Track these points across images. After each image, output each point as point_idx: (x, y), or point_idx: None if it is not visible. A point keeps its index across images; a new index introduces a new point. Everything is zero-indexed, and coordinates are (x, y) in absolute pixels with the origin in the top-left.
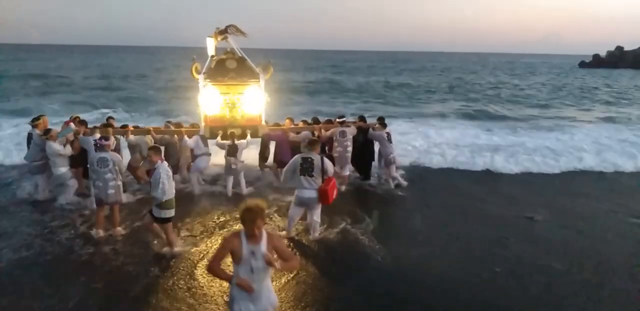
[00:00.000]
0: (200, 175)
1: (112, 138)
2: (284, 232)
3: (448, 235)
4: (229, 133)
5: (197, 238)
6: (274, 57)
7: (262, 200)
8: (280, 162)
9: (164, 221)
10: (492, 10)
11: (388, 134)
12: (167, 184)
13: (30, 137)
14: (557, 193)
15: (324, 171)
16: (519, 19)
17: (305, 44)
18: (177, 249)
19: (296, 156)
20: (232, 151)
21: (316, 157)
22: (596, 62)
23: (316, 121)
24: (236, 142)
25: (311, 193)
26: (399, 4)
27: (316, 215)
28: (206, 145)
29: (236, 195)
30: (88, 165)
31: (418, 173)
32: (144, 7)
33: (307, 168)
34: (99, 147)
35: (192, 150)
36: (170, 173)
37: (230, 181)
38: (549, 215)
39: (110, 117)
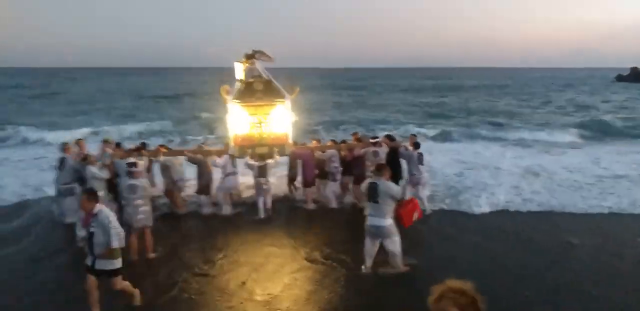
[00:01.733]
0: (230, 195)
1: (142, 164)
2: (363, 267)
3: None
4: (257, 153)
5: (232, 254)
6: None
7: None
8: (305, 181)
9: (116, 273)
10: (520, 22)
11: (420, 155)
12: (119, 227)
13: (62, 160)
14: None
15: (392, 196)
16: (550, 32)
17: (327, 62)
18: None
19: (365, 181)
20: (262, 172)
21: (382, 183)
22: (634, 75)
23: (391, 138)
24: (266, 162)
25: (377, 221)
26: (417, 19)
27: (392, 245)
28: (235, 165)
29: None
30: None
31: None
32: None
33: (372, 194)
34: (129, 174)
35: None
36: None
37: (262, 202)
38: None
39: (142, 143)
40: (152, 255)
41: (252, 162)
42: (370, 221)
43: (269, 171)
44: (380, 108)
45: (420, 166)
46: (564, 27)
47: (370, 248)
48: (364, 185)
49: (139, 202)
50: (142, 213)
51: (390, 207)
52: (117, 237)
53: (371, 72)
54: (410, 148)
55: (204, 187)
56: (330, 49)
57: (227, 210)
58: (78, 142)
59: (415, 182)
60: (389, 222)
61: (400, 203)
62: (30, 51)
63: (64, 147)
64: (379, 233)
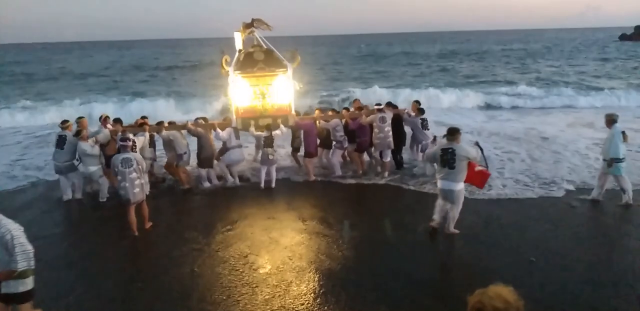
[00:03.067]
0: (234, 168)
1: (142, 139)
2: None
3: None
4: (265, 124)
5: (234, 228)
6: (304, 44)
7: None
8: (306, 152)
9: (28, 296)
10: None
11: (423, 120)
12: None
13: (61, 138)
14: None
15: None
16: None
17: (334, 29)
18: None
19: (435, 147)
20: (269, 142)
21: (458, 147)
22: (638, 34)
23: (392, 105)
24: (272, 132)
25: (449, 185)
26: None
27: (454, 210)
28: (238, 137)
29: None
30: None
31: None
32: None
33: (448, 159)
34: (122, 147)
35: (224, 143)
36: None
37: (264, 172)
38: None
39: (143, 117)
40: (149, 224)
41: (258, 132)
42: (442, 185)
43: (275, 141)
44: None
45: (425, 131)
46: None
47: (443, 206)
48: (434, 151)
49: (134, 175)
50: (138, 186)
51: (464, 171)
52: (25, 257)
53: (379, 38)
54: (413, 114)
55: (205, 160)
56: (331, 14)
57: (232, 181)
58: (79, 120)
59: (424, 149)
60: (460, 186)
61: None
62: (37, 25)
63: (65, 124)
64: (450, 196)
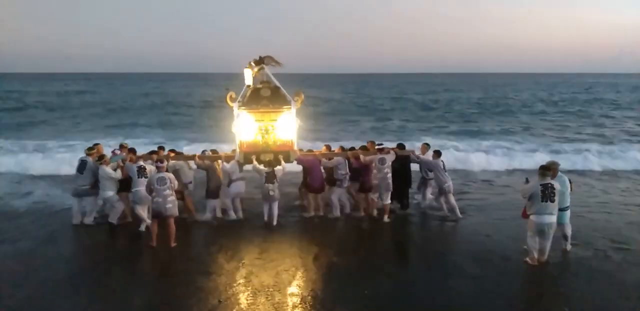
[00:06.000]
0: (238, 200)
1: (151, 168)
2: (527, 259)
3: None
4: (265, 160)
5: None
6: (321, 82)
7: None
8: (310, 187)
9: None
10: (553, 28)
11: (442, 162)
12: None
13: (83, 163)
14: None
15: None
16: (585, 38)
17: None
18: None
19: (533, 184)
20: (270, 178)
21: (555, 182)
22: None
23: (401, 146)
24: (273, 168)
25: (552, 219)
26: (449, 24)
27: (550, 240)
28: (241, 170)
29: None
30: (134, 188)
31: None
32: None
33: (549, 194)
34: (158, 168)
35: (228, 175)
36: None
37: (267, 208)
38: None
39: (160, 147)
40: (173, 245)
41: (260, 166)
42: (544, 219)
43: (277, 178)
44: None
45: (445, 173)
46: (589, 33)
47: (535, 244)
48: (533, 186)
49: (167, 192)
50: (170, 202)
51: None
52: None
53: (396, 78)
54: (423, 156)
55: (212, 191)
56: (343, 54)
57: (233, 215)
58: (96, 146)
59: (448, 190)
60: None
61: None
62: (66, 55)
63: (90, 151)
64: (547, 230)
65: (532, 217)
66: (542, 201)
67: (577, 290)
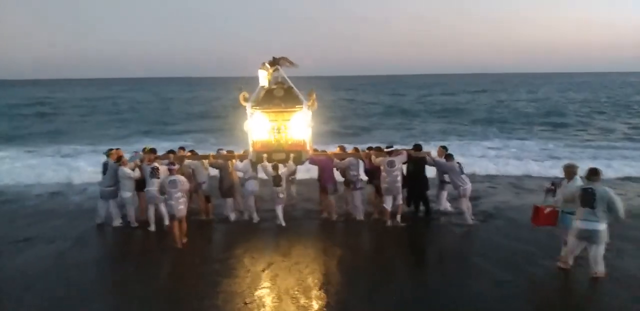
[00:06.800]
0: (252, 200)
1: (164, 168)
2: (558, 263)
3: None
4: (272, 162)
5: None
6: (352, 83)
7: None
8: (323, 188)
9: None
10: (584, 25)
11: (459, 164)
12: None
13: (105, 165)
14: None
15: (609, 203)
16: (612, 35)
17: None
18: None
19: (576, 186)
20: (277, 181)
21: (598, 188)
22: None
23: (417, 148)
24: (279, 172)
25: (592, 225)
26: (474, 23)
27: (597, 250)
28: (254, 169)
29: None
30: (146, 187)
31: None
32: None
33: (588, 200)
34: (170, 171)
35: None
36: None
37: (280, 210)
38: None
39: (181, 147)
40: (185, 240)
41: (268, 168)
42: (583, 225)
43: (284, 180)
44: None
45: (462, 176)
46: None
47: (576, 248)
48: (572, 190)
49: (179, 194)
50: (182, 204)
51: (605, 212)
52: None
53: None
54: (438, 158)
55: (226, 190)
56: (375, 56)
57: (248, 216)
58: (115, 151)
59: (463, 194)
60: (603, 226)
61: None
62: (88, 61)
63: (109, 152)
64: (591, 237)
65: (574, 222)
66: (581, 206)
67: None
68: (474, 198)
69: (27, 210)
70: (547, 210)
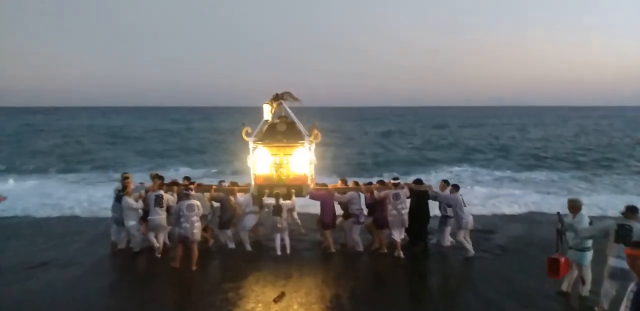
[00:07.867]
0: (247, 233)
1: (170, 198)
2: (595, 308)
3: None
4: (274, 193)
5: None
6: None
7: None
8: (322, 222)
9: None
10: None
11: (461, 197)
12: None
13: (117, 191)
14: None
15: None
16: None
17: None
18: None
19: (611, 221)
20: (277, 211)
21: (636, 225)
22: None
23: (418, 182)
24: (281, 202)
25: None
26: (499, 60)
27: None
28: (255, 203)
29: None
30: (149, 216)
31: None
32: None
33: (624, 236)
34: (185, 196)
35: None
36: None
37: (278, 239)
38: None
39: (186, 177)
40: (194, 268)
41: (268, 201)
42: (618, 263)
43: (284, 211)
44: None
45: (464, 208)
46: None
47: (611, 290)
48: (608, 225)
49: (195, 218)
50: (197, 228)
51: None
52: None
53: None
54: (440, 192)
55: (225, 221)
56: (393, 88)
57: (247, 247)
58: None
59: (464, 226)
60: None
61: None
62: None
63: (123, 177)
64: (628, 276)
65: (608, 259)
66: (615, 242)
67: None
68: (487, 232)
69: (44, 235)
70: (563, 259)
